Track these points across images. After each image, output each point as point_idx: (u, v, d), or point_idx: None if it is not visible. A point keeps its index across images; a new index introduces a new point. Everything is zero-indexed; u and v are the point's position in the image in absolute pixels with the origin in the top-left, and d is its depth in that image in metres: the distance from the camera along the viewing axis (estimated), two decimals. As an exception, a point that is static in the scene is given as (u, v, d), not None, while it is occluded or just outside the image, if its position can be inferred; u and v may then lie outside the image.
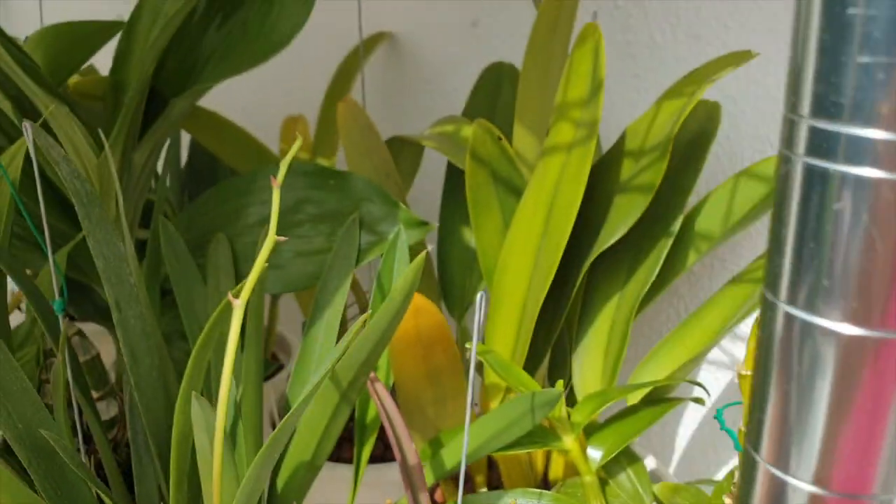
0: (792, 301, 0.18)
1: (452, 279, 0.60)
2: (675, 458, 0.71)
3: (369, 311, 0.41)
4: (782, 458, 0.20)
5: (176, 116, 0.55)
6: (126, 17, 0.57)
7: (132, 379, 0.46)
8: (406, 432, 0.43)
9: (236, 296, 0.35)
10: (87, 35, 0.60)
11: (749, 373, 0.42)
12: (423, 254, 0.37)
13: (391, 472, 0.63)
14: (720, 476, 0.61)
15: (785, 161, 0.19)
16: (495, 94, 0.68)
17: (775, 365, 0.19)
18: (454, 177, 0.62)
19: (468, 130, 0.61)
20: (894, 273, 0.17)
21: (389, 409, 0.43)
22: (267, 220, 0.56)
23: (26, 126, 0.43)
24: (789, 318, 0.18)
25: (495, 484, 0.60)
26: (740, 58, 0.47)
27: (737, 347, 0.65)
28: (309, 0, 0.50)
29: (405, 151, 0.64)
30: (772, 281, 0.19)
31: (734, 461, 0.66)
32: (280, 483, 0.46)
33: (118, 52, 0.55)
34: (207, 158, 0.69)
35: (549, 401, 0.44)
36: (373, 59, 0.81)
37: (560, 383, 0.45)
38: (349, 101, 0.59)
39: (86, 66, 0.63)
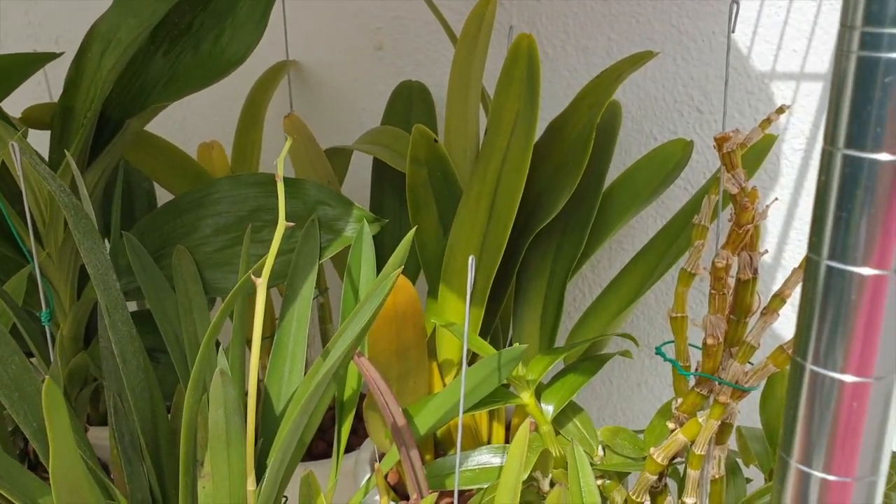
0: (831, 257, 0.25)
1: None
2: (615, 408, 0.80)
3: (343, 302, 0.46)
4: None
5: (127, 139, 0.58)
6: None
7: (124, 380, 0.49)
8: (393, 398, 0.49)
9: (258, 275, 0.40)
10: (10, 68, 0.62)
11: (678, 315, 0.51)
12: (412, 231, 0.43)
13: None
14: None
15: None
16: (408, 109, 0.74)
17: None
18: (381, 179, 0.68)
19: (390, 137, 0.67)
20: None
21: (376, 379, 0.48)
22: (222, 230, 0.60)
23: (13, 146, 0.46)
24: (829, 270, 0.25)
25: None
26: (641, 58, 0.56)
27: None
28: (262, 22, 0.55)
29: (335, 161, 0.70)
30: (815, 242, 0.26)
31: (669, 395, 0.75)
32: (271, 464, 0.50)
33: (69, 79, 0.58)
34: (138, 178, 0.72)
35: (514, 357, 0.50)
36: (283, 85, 0.86)
37: (518, 345, 0.51)
38: (293, 117, 0.64)
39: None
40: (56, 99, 0.58)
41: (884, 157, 0.24)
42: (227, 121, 0.87)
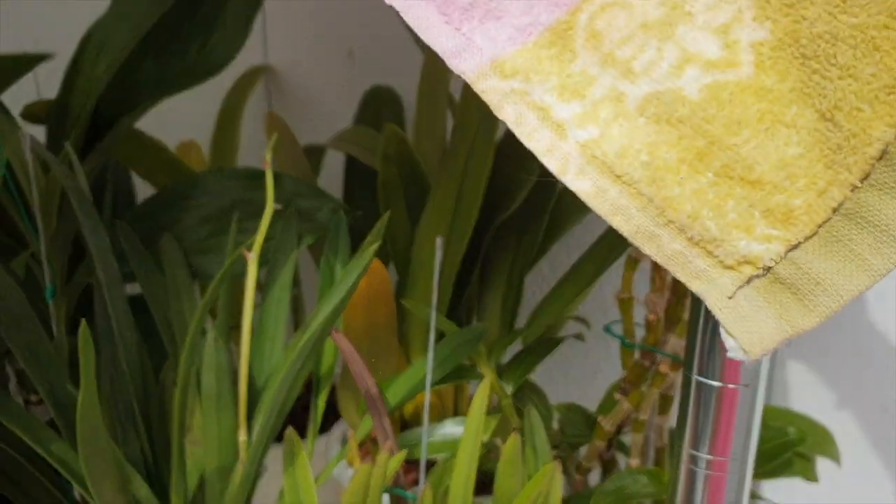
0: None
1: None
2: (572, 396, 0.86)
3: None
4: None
5: (118, 136, 0.63)
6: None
7: (122, 352, 0.53)
8: (366, 370, 0.54)
9: (249, 249, 0.45)
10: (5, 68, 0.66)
11: (625, 296, 0.56)
12: (385, 215, 0.48)
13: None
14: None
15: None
16: (378, 112, 0.80)
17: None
18: (353, 176, 0.74)
19: (363, 136, 0.72)
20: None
21: (350, 351, 0.53)
22: (207, 220, 0.64)
23: (25, 136, 0.50)
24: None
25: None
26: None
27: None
28: (247, 26, 0.60)
29: (309, 159, 0.75)
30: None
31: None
32: (256, 427, 0.55)
33: (65, 79, 0.62)
34: (122, 177, 0.76)
35: (477, 334, 0.55)
36: (255, 88, 0.90)
37: (479, 323, 0.57)
38: (274, 115, 0.68)
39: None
40: (44, 97, 0.63)
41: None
42: (204, 121, 0.92)
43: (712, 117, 0.26)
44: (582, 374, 0.86)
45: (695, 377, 0.31)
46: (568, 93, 0.27)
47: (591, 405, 0.87)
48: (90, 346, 0.38)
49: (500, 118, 0.28)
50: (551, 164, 0.27)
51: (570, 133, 0.27)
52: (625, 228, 0.27)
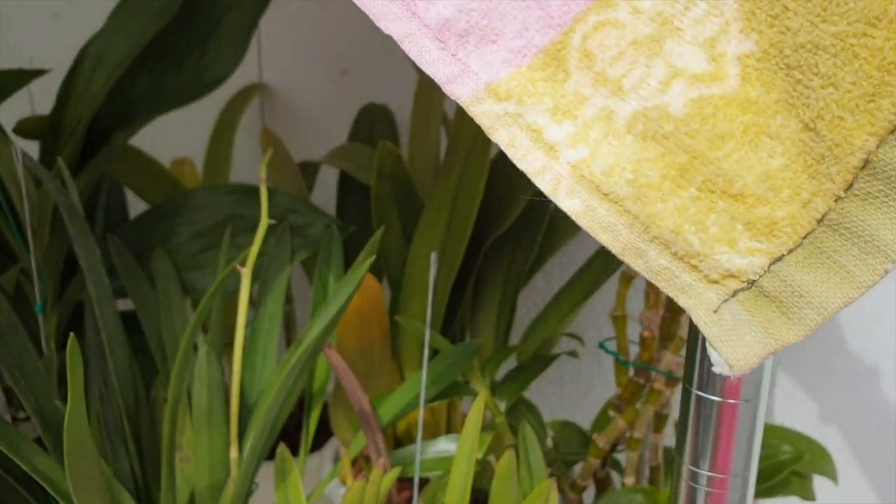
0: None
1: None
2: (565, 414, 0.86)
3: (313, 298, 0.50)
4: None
5: (112, 152, 0.63)
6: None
7: (112, 368, 0.53)
8: (359, 387, 0.53)
9: (242, 265, 0.45)
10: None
11: (619, 314, 0.56)
12: (381, 229, 0.48)
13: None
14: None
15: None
16: (371, 129, 0.80)
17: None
18: (346, 192, 0.74)
19: (357, 153, 0.72)
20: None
21: (343, 368, 0.53)
22: (199, 235, 0.64)
23: (16, 150, 0.50)
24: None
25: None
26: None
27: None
28: (244, 43, 0.60)
29: (303, 175, 0.75)
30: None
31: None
32: (247, 444, 0.54)
33: (60, 94, 0.62)
34: (114, 193, 0.76)
35: (471, 351, 0.55)
36: (249, 106, 0.90)
37: (473, 339, 0.56)
38: (268, 131, 0.68)
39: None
40: (38, 111, 0.62)
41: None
42: (197, 138, 0.92)
43: (695, 132, 0.26)
44: (575, 390, 0.85)
45: (694, 392, 0.31)
46: (560, 113, 0.27)
47: (584, 422, 0.87)
48: (78, 360, 0.38)
49: (494, 140, 0.28)
50: (543, 184, 0.28)
51: (561, 154, 0.27)
52: (614, 245, 0.27)
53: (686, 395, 0.31)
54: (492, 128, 0.28)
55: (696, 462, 0.32)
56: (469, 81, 0.28)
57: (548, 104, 0.28)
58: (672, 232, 0.26)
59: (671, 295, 0.27)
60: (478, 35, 0.28)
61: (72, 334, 0.36)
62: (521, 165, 0.28)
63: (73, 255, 0.69)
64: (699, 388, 0.31)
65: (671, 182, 0.27)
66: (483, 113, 0.28)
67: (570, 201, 0.27)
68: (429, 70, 0.28)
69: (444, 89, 0.28)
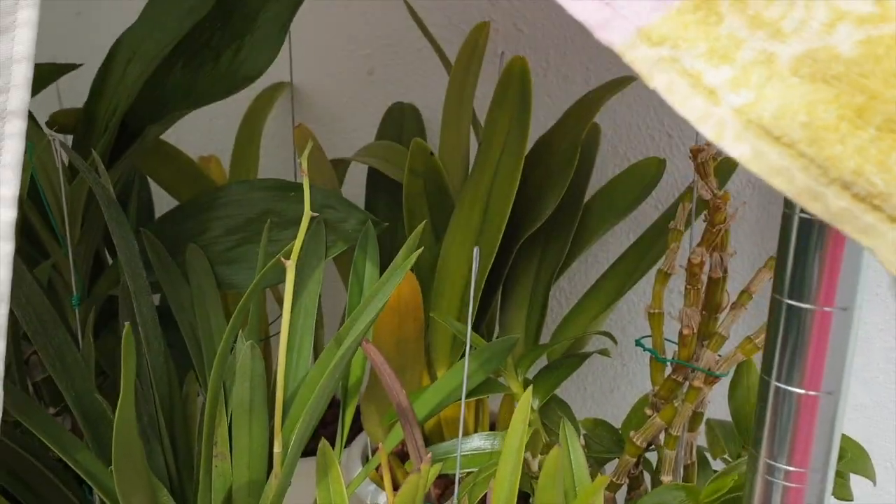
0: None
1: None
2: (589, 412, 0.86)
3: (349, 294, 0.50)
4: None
5: (145, 146, 0.62)
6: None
7: (148, 362, 0.53)
8: (397, 382, 0.53)
9: (287, 258, 0.44)
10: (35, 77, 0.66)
11: (655, 311, 0.56)
12: (421, 224, 0.48)
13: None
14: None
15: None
16: (399, 129, 0.80)
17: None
18: (375, 190, 0.73)
19: (387, 150, 0.72)
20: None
21: (381, 363, 0.53)
22: (231, 231, 0.64)
23: (55, 142, 0.50)
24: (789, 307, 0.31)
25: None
26: (621, 83, 0.61)
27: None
28: (279, 41, 0.59)
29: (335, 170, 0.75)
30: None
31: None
32: (292, 438, 0.54)
33: (94, 87, 0.62)
34: (140, 189, 0.76)
35: (507, 347, 0.55)
36: (276, 104, 0.90)
37: (509, 336, 0.56)
38: (303, 127, 0.68)
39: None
40: (65, 105, 0.62)
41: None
42: (223, 137, 0.91)
43: (869, 72, 0.26)
44: (599, 389, 0.85)
45: (773, 383, 0.30)
46: (717, 57, 0.27)
47: (610, 421, 0.87)
48: (132, 351, 0.38)
49: (651, 87, 0.27)
50: (706, 130, 0.27)
51: (723, 98, 0.27)
52: (788, 189, 0.27)
53: (764, 386, 0.31)
54: (649, 74, 0.27)
55: (773, 455, 0.32)
56: (621, 26, 0.27)
57: (702, 48, 0.27)
58: (853, 173, 0.26)
59: (851, 236, 0.27)
60: None
61: (127, 324, 0.36)
62: (681, 112, 0.27)
63: (100, 253, 0.69)
64: (779, 380, 0.31)
65: (849, 123, 0.26)
66: (638, 59, 0.27)
67: (737, 147, 0.27)
68: (580, 17, 0.27)
69: (595, 36, 0.28)
